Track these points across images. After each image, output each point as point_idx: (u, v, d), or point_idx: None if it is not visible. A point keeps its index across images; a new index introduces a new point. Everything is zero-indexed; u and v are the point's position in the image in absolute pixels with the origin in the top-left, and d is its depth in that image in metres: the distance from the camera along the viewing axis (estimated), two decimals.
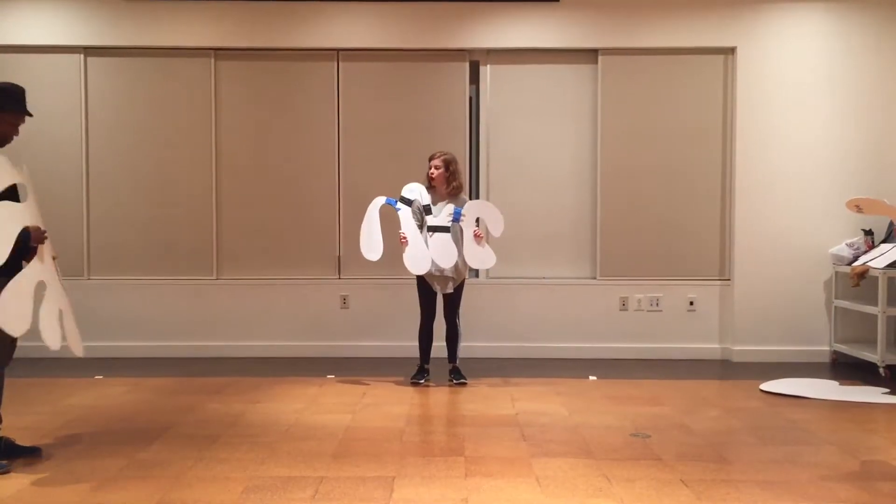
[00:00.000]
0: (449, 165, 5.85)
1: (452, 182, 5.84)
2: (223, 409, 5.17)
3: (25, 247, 3.93)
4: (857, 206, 4.83)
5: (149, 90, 7.05)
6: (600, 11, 6.91)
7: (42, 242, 4.02)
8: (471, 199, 6.81)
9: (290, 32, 6.95)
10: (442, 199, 5.86)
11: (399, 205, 5.81)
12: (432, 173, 5.84)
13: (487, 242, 5.92)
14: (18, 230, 3.87)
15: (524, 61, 7.08)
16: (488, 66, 7.09)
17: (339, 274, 7.09)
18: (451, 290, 5.90)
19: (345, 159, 7.08)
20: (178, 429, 4.79)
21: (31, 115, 4.20)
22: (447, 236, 5.76)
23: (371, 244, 5.84)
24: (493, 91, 7.10)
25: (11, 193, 3.96)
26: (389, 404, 5.32)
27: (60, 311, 4.07)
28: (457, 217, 5.76)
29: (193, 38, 6.96)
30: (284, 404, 5.30)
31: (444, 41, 6.97)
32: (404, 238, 5.73)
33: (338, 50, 7.03)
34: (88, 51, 7.01)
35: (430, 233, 5.78)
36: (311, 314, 7.05)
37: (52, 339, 3.99)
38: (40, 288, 3.97)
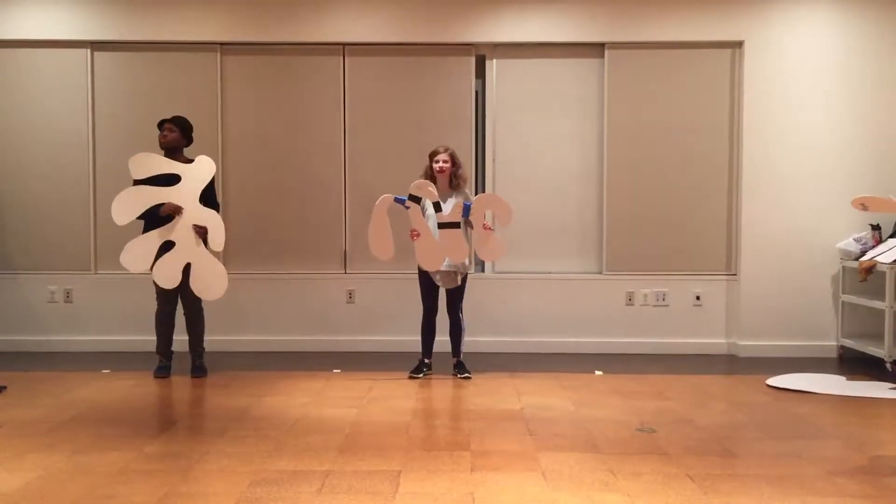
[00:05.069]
0: (455, 159, 5.88)
1: (455, 176, 5.86)
2: (230, 403, 5.18)
3: (158, 218, 5.58)
4: (863, 205, 4.81)
5: (155, 85, 7.06)
6: (607, 5, 6.89)
7: (171, 213, 5.57)
8: (476, 193, 6.82)
9: (295, 27, 6.95)
10: (445, 193, 5.85)
11: (408, 202, 5.76)
12: (441, 168, 5.83)
13: (496, 233, 5.93)
14: (146, 206, 5.55)
15: (530, 55, 7.07)
16: (494, 60, 7.07)
17: (346, 268, 7.09)
18: (458, 284, 5.90)
19: (350, 153, 7.08)
20: (184, 422, 4.81)
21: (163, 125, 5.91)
22: (458, 231, 5.75)
23: (383, 244, 5.74)
24: (500, 85, 7.09)
25: (163, 179, 5.59)
26: (395, 398, 5.33)
27: (189, 265, 5.61)
28: (467, 213, 5.73)
29: (199, 33, 6.96)
30: (291, 398, 5.31)
31: (450, 35, 6.96)
32: (416, 234, 5.72)
33: (343, 44, 7.03)
34: (95, 45, 7.01)
35: (440, 229, 5.75)
36: (318, 309, 7.05)
37: (162, 280, 5.63)
38: (169, 245, 5.59)
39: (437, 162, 5.83)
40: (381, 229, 5.74)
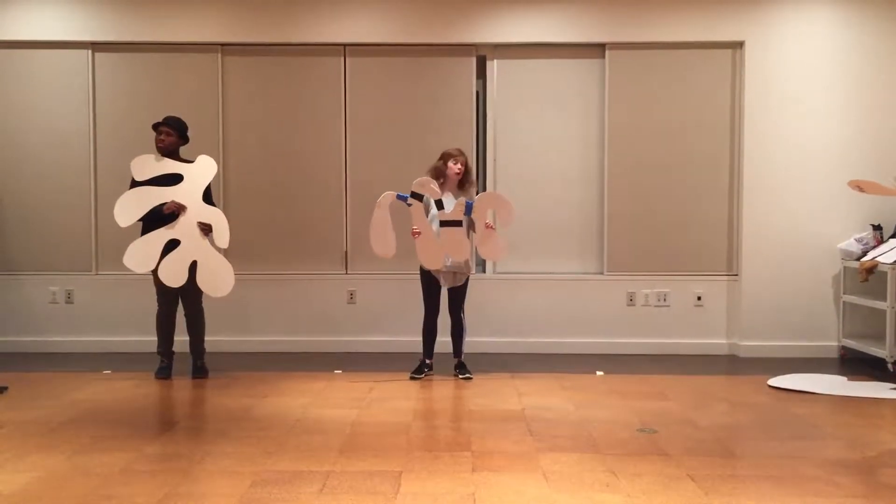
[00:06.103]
0: (469, 169, 5.94)
1: (464, 183, 5.91)
2: (230, 404, 5.19)
3: (161, 216, 5.56)
4: (859, 187, 4.90)
5: (156, 85, 7.06)
6: (607, 6, 6.89)
7: (174, 211, 5.57)
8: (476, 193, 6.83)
9: (296, 27, 6.95)
10: (451, 193, 5.86)
11: (410, 200, 5.78)
12: (458, 172, 5.84)
13: (498, 232, 5.94)
14: (149, 207, 5.55)
15: (531, 56, 7.06)
16: (495, 60, 7.07)
17: (347, 269, 7.09)
18: (460, 283, 5.90)
19: (352, 154, 7.08)
20: (185, 423, 4.81)
21: (159, 126, 5.88)
22: (460, 230, 5.76)
23: (384, 241, 5.76)
24: (500, 86, 7.08)
25: (166, 180, 5.62)
26: (396, 399, 5.33)
27: (195, 262, 5.59)
28: (469, 211, 5.75)
29: (200, 34, 6.97)
30: (291, 399, 5.32)
31: (451, 36, 6.96)
32: (417, 232, 5.72)
33: (344, 45, 7.03)
34: (96, 46, 7.01)
35: (441, 227, 5.76)
36: (319, 309, 7.05)
37: (168, 279, 5.57)
38: (172, 244, 5.56)
39: (457, 164, 5.84)
40: (382, 227, 5.75)
